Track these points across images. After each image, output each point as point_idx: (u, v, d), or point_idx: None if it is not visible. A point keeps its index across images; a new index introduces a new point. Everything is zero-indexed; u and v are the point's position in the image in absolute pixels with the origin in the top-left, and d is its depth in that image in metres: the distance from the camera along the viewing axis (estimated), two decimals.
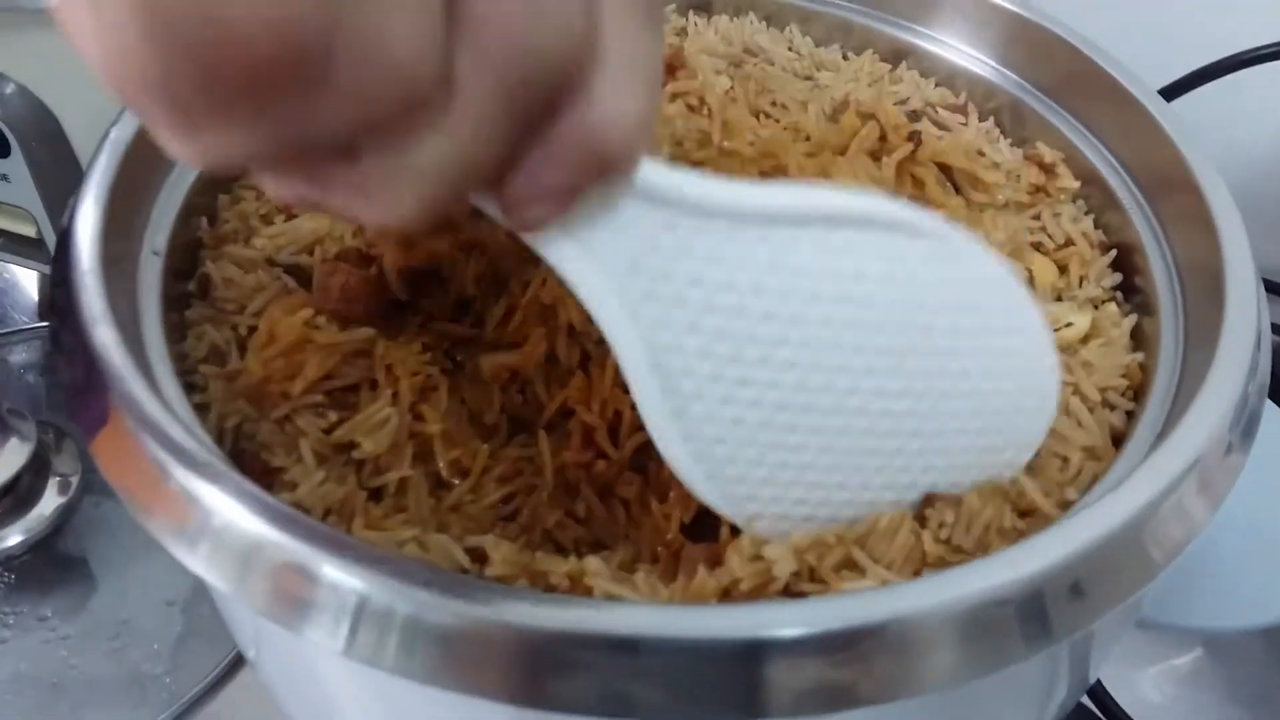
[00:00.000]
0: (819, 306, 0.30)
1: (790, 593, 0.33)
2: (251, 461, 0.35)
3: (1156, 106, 0.45)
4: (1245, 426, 0.34)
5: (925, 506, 0.35)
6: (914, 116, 0.49)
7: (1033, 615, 0.29)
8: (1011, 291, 0.33)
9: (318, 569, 0.29)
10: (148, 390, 0.32)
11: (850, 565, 0.33)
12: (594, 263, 0.28)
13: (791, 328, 0.30)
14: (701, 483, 0.32)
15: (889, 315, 0.31)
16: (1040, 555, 0.29)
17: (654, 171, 0.28)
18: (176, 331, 0.39)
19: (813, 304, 0.30)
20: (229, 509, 0.30)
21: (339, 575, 0.29)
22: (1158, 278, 0.42)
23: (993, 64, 0.52)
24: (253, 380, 0.36)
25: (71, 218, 0.37)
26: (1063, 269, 0.44)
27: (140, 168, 0.40)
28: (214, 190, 0.43)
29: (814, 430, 0.32)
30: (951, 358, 0.32)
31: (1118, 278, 0.44)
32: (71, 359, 0.34)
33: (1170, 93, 0.64)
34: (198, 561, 0.30)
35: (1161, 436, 0.35)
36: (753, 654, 0.28)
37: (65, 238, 0.36)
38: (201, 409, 0.36)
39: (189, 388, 0.37)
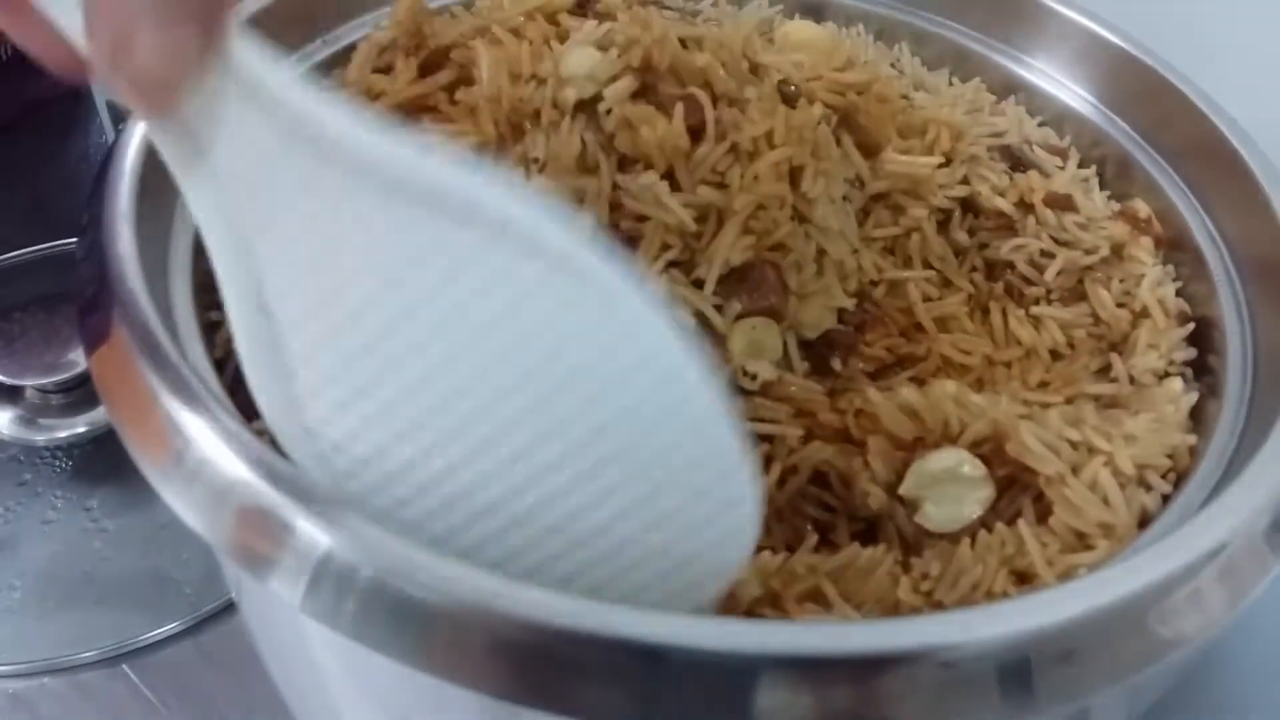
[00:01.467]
0: (437, 308, 0.26)
1: (750, 616, 0.32)
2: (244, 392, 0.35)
3: (1274, 187, 0.41)
4: None
5: (912, 554, 0.33)
6: (1006, 152, 0.47)
7: (1016, 676, 0.27)
8: (692, 387, 0.26)
9: (287, 517, 0.28)
10: (151, 307, 0.33)
11: (817, 598, 0.32)
12: (211, 172, 0.26)
13: (409, 322, 0.26)
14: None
15: (514, 354, 0.26)
16: (1036, 613, 0.27)
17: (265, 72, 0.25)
18: None
19: (430, 303, 0.26)
20: (209, 444, 0.30)
21: (306, 526, 0.28)
22: (1232, 360, 0.39)
23: (1107, 111, 0.49)
24: None
25: (128, 120, 0.37)
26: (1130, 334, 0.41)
27: None
28: None
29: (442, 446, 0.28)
30: (608, 436, 0.26)
31: (1191, 353, 0.41)
32: (91, 262, 0.34)
33: None
34: (172, 494, 0.30)
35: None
36: (710, 670, 0.26)
37: (116, 138, 0.37)
38: (216, 327, 0.37)
39: (216, 305, 0.38)
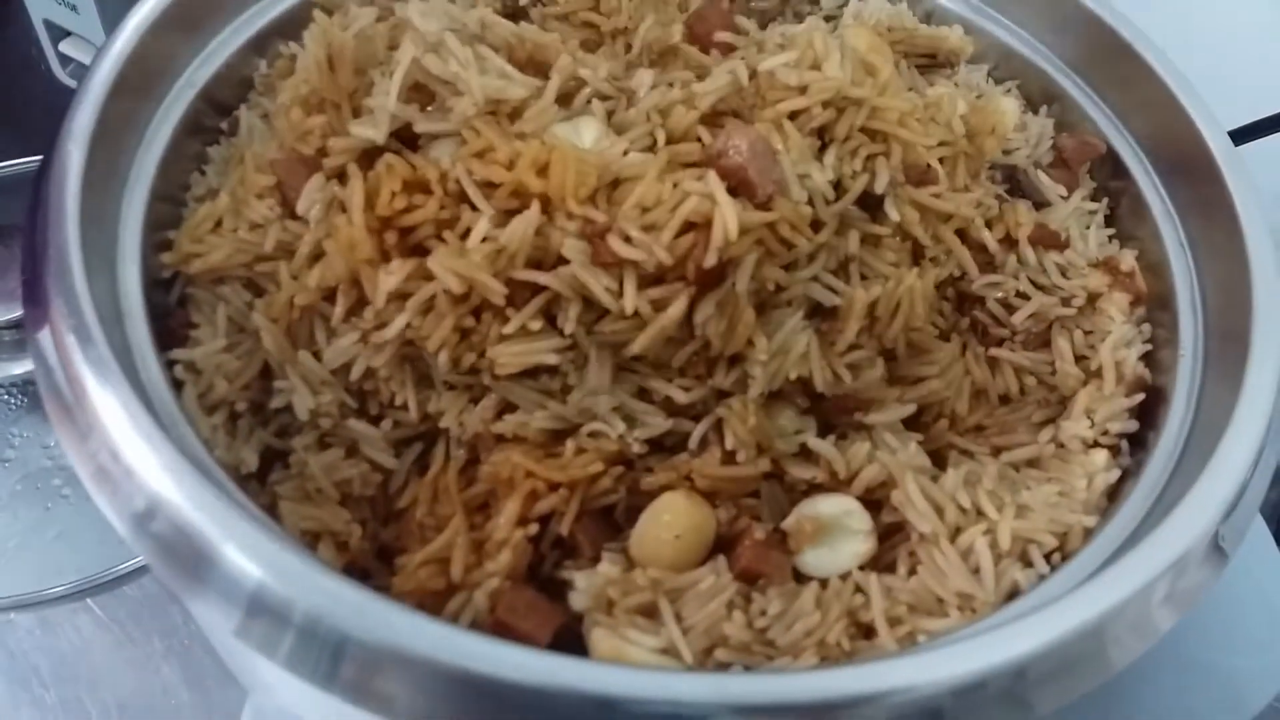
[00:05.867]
0: None
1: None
2: (180, 314, 0.37)
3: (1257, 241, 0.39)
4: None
5: (756, 590, 0.34)
6: (1007, 172, 0.45)
7: None
8: None
9: (217, 546, 0.28)
10: (86, 286, 0.32)
11: (648, 613, 0.33)
12: None
13: None
14: None
15: None
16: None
17: None
18: (195, 160, 0.41)
19: None
20: (135, 453, 0.30)
21: (238, 558, 0.28)
22: (1165, 439, 0.38)
23: (1132, 142, 0.46)
24: (178, 257, 0.37)
25: (112, 34, 0.39)
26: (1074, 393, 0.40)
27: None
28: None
29: None
30: None
31: (1133, 425, 0.39)
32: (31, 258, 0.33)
33: (1243, 135, 0.54)
34: (99, 496, 0.30)
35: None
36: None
37: (96, 57, 0.38)
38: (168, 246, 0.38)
39: (177, 221, 0.39)
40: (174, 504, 0.29)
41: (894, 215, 0.38)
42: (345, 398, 0.35)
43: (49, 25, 0.63)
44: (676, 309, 0.33)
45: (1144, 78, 0.44)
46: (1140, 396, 0.40)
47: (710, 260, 0.32)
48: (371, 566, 0.35)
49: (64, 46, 0.65)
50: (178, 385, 0.35)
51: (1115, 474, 0.38)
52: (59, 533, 0.54)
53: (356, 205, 0.33)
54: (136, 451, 0.30)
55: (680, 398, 0.35)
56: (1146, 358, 0.41)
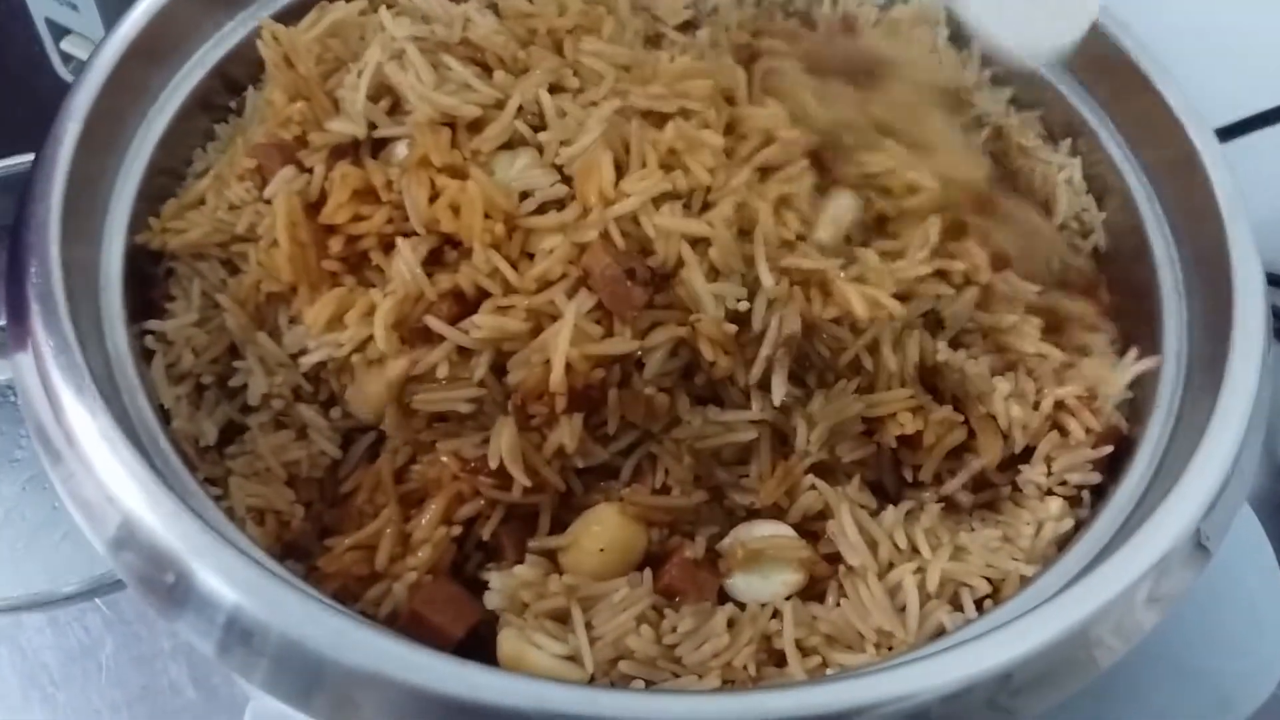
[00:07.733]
0: None
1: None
2: (163, 286, 0.39)
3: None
4: None
5: (673, 606, 0.34)
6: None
7: None
8: None
9: (191, 569, 0.29)
10: (65, 305, 0.33)
11: (561, 618, 0.33)
12: None
13: None
14: None
15: None
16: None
17: None
18: (204, 137, 0.43)
19: None
20: (111, 472, 0.30)
21: (213, 581, 0.29)
22: (1121, 492, 0.36)
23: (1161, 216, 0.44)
24: (157, 231, 0.39)
25: (119, 20, 0.40)
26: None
27: None
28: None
29: None
30: None
31: (1094, 477, 0.38)
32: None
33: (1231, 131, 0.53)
34: (77, 513, 0.32)
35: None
36: None
37: (103, 39, 0.40)
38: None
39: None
40: (149, 528, 0.30)
41: None
42: (300, 381, 0.37)
43: (50, 24, 0.64)
44: (565, 437, 0.34)
45: (1160, 115, 0.43)
46: (1109, 448, 0.38)
47: (559, 406, 0.33)
48: (313, 547, 0.36)
49: (65, 44, 0.66)
50: (149, 355, 0.37)
51: (1068, 524, 0.37)
52: (66, 533, 0.54)
53: (282, 228, 0.34)
54: (110, 472, 0.31)
55: (602, 454, 0.36)
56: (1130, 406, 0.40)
